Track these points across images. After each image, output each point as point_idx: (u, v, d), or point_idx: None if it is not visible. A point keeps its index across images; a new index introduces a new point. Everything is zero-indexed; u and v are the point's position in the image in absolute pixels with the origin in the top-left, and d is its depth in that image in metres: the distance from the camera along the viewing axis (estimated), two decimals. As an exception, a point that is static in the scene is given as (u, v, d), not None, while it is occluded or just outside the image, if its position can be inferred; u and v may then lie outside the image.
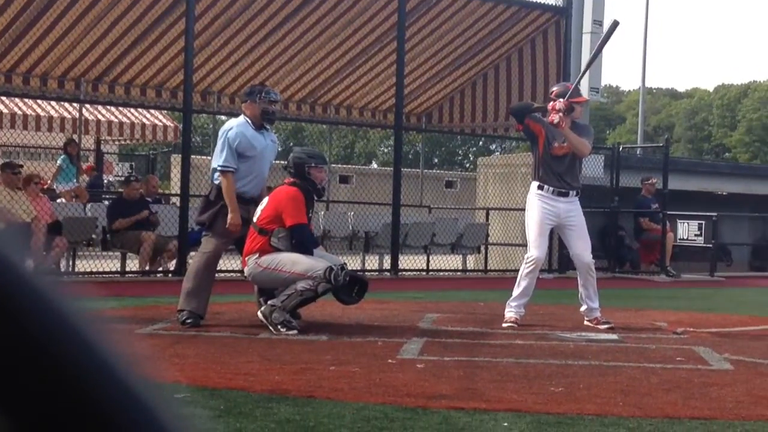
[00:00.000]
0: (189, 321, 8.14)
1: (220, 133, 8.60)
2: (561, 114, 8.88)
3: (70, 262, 13.96)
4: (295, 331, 7.89)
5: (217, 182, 8.44)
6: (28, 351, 0.49)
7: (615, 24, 9.15)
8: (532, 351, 7.47)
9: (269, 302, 8.07)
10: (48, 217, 12.98)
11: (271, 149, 8.67)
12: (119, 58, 17.35)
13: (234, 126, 8.47)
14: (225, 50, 17.82)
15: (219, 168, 8.35)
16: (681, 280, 17.48)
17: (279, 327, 7.93)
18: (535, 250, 9.09)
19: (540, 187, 9.22)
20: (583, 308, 9.22)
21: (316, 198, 8.49)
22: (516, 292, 9.09)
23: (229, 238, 8.48)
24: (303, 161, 8.37)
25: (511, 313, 9.04)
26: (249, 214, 8.30)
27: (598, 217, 18.17)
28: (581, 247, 9.17)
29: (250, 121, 8.50)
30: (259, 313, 8.14)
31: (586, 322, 9.12)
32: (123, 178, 16.44)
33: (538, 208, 9.18)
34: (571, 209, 9.19)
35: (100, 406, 0.49)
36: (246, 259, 8.19)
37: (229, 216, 8.24)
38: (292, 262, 8.01)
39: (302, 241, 8.09)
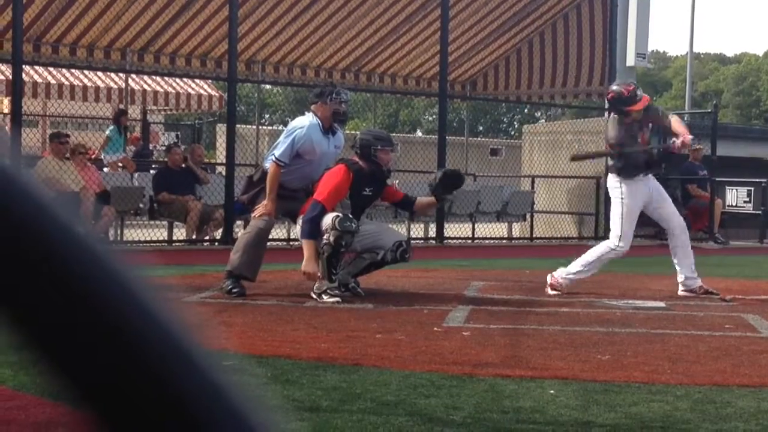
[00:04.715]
0: (235, 291, 8.19)
1: (289, 128, 8.59)
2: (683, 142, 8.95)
3: (118, 231, 14.10)
4: (337, 299, 7.92)
5: (266, 166, 8.47)
6: (91, 317, 0.49)
7: None
8: (579, 319, 7.44)
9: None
10: (96, 187, 13.10)
11: (331, 156, 8.63)
12: (164, 28, 17.41)
13: (306, 127, 8.41)
14: (269, 19, 17.81)
15: (274, 159, 8.37)
16: (729, 247, 17.30)
17: (322, 296, 7.97)
18: (626, 241, 9.03)
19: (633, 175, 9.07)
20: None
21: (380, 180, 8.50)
22: (580, 268, 9.04)
23: (270, 221, 8.53)
24: (369, 143, 8.37)
25: (563, 280, 9.00)
26: (295, 199, 8.36)
27: (644, 184, 18.00)
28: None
29: (320, 123, 8.47)
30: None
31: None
32: (165, 148, 16.53)
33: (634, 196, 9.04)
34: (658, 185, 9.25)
35: (163, 371, 0.50)
36: (298, 218, 8.29)
37: (265, 201, 8.29)
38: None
39: (309, 218, 8.09)
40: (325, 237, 8.00)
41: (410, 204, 8.82)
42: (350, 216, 8.08)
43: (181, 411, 0.49)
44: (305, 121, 8.49)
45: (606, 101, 9.07)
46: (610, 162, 9.37)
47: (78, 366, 0.49)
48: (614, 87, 9.29)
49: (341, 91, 8.66)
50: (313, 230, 8.07)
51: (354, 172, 8.24)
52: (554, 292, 8.89)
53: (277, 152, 8.37)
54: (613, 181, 9.12)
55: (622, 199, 9.02)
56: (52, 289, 0.49)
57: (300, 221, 8.22)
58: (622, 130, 9.03)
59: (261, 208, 8.33)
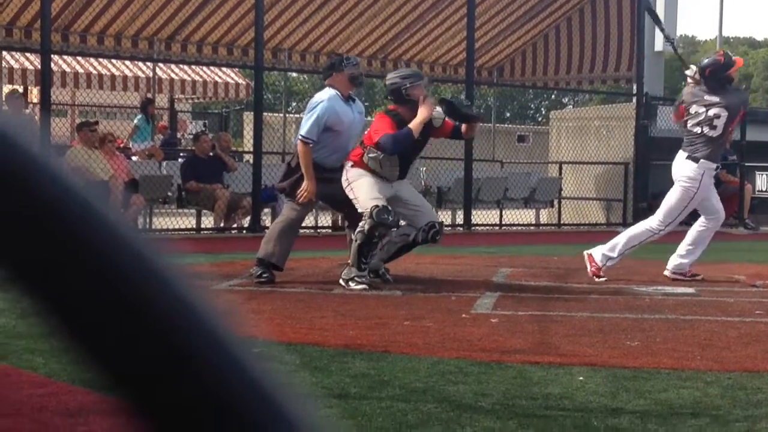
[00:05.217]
0: (264, 277, 8.21)
1: (310, 105, 8.57)
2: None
3: (147, 220, 14.17)
4: (364, 286, 7.92)
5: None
6: (122, 302, 0.49)
7: None
8: (608, 305, 7.41)
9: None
10: (125, 176, 13.16)
11: (358, 122, 8.67)
12: (191, 17, 17.44)
13: (325, 99, 8.42)
14: (295, 6, 17.81)
15: (300, 137, 8.37)
16: (759, 232, 17.17)
17: (349, 283, 7.98)
18: (669, 230, 9.01)
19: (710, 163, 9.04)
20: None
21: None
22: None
23: (309, 205, 8.53)
24: (398, 84, 8.30)
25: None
26: (333, 181, 8.34)
27: (673, 169, 17.88)
28: None
29: (339, 93, 8.49)
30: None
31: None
32: (193, 136, 16.59)
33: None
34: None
35: (195, 357, 0.50)
36: (346, 162, 8.29)
37: (305, 183, 8.31)
38: (365, 189, 8.06)
39: (389, 143, 7.99)
40: (360, 224, 8.00)
41: (459, 132, 8.67)
42: (389, 208, 8.06)
43: (214, 396, 0.49)
44: (324, 95, 8.51)
45: (704, 78, 8.92)
46: (689, 149, 9.17)
47: (111, 353, 0.49)
48: (706, 61, 9.20)
49: (350, 57, 8.90)
50: (394, 141, 8.02)
51: (397, 121, 8.17)
52: (601, 279, 8.82)
53: (303, 131, 8.37)
54: (693, 171, 8.97)
55: (695, 190, 8.93)
56: (81, 273, 0.49)
57: (346, 166, 8.19)
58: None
59: (303, 193, 8.34)
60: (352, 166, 8.18)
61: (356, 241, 8.02)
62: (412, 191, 8.64)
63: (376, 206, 7.94)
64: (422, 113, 8.08)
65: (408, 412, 4.03)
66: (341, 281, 8.04)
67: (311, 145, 8.33)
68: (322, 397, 4.23)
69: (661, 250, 10.70)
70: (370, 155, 8.11)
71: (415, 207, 8.39)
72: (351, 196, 8.17)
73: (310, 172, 8.29)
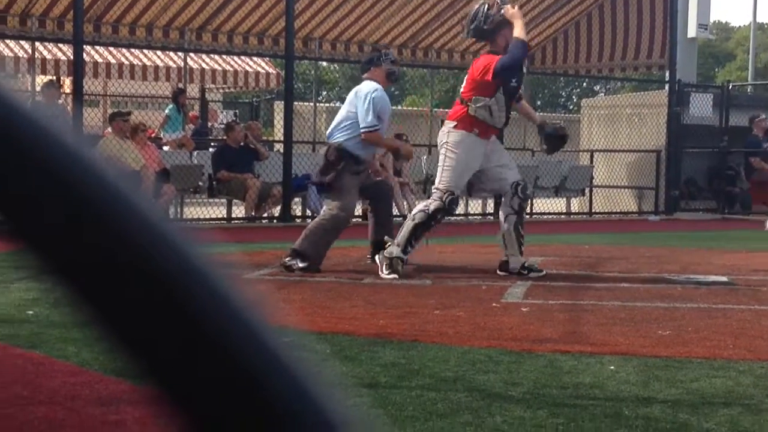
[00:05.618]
0: (298, 267, 8.18)
1: (360, 95, 8.50)
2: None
3: (178, 209, 14.24)
4: (395, 275, 7.93)
5: (335, 142, 8.46)
6: (155, 290, 0.50)
7: None
8: (639, 294, 7.38)
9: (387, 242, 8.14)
10: (156, 165, 13.24)
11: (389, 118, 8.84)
12: (222, 6, 17.49)
13: (378, 89, 8.46)
14: (325, -4, 17.82)
15: (365, 129, 8.33)
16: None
17: (383, 267, 7.96)
18: None
19: None
20: None
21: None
22: None
23: (353, 198, 8.50)
24: (479, 23, 8.14)
25: None
26: (363, 174, 8.37)
27: (706, 157, 17.78)
28: None
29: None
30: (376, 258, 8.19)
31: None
32: (225, 126, 16.64)
33: None
34: None
35: (229, 346, 0.50)
36: (446, 121, 8.25)
37: (400, 146, 8.56)
38: (457, 168, 8.03)
39: (506, 60, 7.91)
40: (424, 204, 7.97)
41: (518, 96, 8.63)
42: (458, 201, 8.06)
43: (247, 384, 0.50)
44: (374, 85, 8.51)
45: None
46: None
47: (144, 342, 0.50)
48: None
49: (389, 53, 8.92)
50: (513, 57, 7.95)
51: (497, 55, 8.10)
52: None
53: (364, 122, 8.33)
54: None
55: None
56: (114, 263, 0.50)
57: (447, 127, 8.13)
58: None
59: (405, 150, 8.61)
60: (454, 127, 8.10)
61: (414, 220, 8.00)
62: (501, 149, 8.62)
63: (452, 194, 7.95)
64: (517, 19, 7.98)
65: (438, 401, 4.03)
66: (383, 255, 8.00)
67: (376, 129, 8.36)
68: (353, 386, 4.24)
69: (693, 238, 10.65)
70: (478, 105, 8.02)
71: (505, 166, 8.38)
72: (440, 162, 8.13)
73: (393, 142, 8.40)
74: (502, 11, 8.04)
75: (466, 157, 8.03)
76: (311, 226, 8.54)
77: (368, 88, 8.50)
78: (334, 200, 8.42)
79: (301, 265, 8.17)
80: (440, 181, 8.03)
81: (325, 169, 8.55)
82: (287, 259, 8.27)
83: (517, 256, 8.15)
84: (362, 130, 8.36)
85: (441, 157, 8.15)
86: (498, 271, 8.25)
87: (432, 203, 7.95)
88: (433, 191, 8.17)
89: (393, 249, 7.99)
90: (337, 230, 8.40)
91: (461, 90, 8.26)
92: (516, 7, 8.21)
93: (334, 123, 8.62)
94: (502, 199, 8.37)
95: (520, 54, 8.00)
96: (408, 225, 7.99)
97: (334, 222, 8.35)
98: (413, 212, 8.05)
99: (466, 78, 8.29)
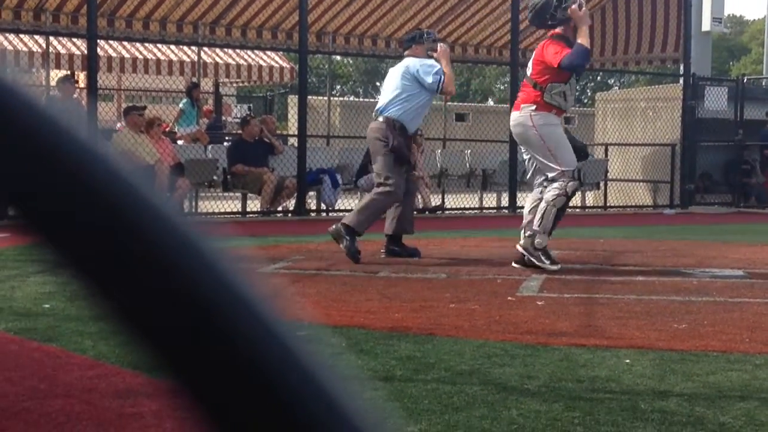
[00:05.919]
0: (351, 250, 8.32)
1: (420, 66, 8.68)
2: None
3: (193, 203, 14.27)
4: (558, 266, 7.93)
5: (391, 115, 8.56)
6: (171, 285, 0.50)
7: None
8: (654, 288, 7.36)
9: (527, 233, 8.08)
10: (171, 160, 13.26)
11: None
12: (235, 1, 17.50)
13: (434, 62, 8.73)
14: (339, -10, 17.81)
15: (433, 83, 8.60)
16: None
17: (542, 257, 7.96)
18: None
19: None
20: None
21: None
22: None
23: (402, 178, 8.56)
24: (546, 4, 8.14)
25: None
26: (410, 149, 8.61)
27: (721, 150, 17.71)
28: None
29: None
30: (518, 247, 8.14)
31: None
32: (239, 120, 16.66)
33: None
34: None
35: (245, 339, 0.50)
36: (522, 106, 8.15)
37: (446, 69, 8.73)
38: (564, 145, 8.00)
39: (573, 59, 7.89)
40: (558, 186, 7.92)
41: None
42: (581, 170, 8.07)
43: (262, 377, 0.50)
44: (417, 59, 8.74)
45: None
46: None
47: (160, 335, 0.50)
48: None
49: (431, 32, 9.35)
50: (579, 57, 7.97)
51: (564, 42, 8.07)
52: None
53: (430, 80, 8.59)
54: None
55: None
56: (129, 256, 0.50)
57: (527, 110, 8.05)
58: None
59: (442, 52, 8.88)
60: (535, 109, 8.04)
61: (554, 205, 7.97)
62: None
63: (578, 169, 7.94)
64: (582, 24, 8.00)
65: (453, 395, 4.03)
66: (529, 247, 8.02)
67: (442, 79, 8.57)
68: (368, 379, 4.24)
69: (708, 231, 10.62)
70: (554, 92, 7.98)
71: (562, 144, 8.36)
72: (537, 150, 8.04)
73: (447, 66, 8.72)
74: (575, 5, 8.02)
75: (561, 133, 8.06)
76: (365, 202, 8.67)
77: (416, 60, 8.72)
78: (388, 172, 8.46)
79: (347, 239, 8.28)
80: (556, 163, 7.95)
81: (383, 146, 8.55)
82: (345, 242, 8.33)
83: (545, 235, 8.10)
84: (439, 84, 8.62)
85: (536, 144, 8.00)
86: (513, 264, 8.23)
87: (567, 185, 7.91)
88: (551, 178, 7.96)
89: (541, 239, 7.98)
90: (386, 208, 8.61)
91: (528, 73, 8.22)
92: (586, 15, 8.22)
93: (385, 99, 8.71)
94: (552, 184, 8.13)
95: (582, 62, 8.05)
96: (551, 212, 7.96)
97: (388, 198, 8.50)
98: (550, 199, 7.93)
99: (532, 60, 8.23)
